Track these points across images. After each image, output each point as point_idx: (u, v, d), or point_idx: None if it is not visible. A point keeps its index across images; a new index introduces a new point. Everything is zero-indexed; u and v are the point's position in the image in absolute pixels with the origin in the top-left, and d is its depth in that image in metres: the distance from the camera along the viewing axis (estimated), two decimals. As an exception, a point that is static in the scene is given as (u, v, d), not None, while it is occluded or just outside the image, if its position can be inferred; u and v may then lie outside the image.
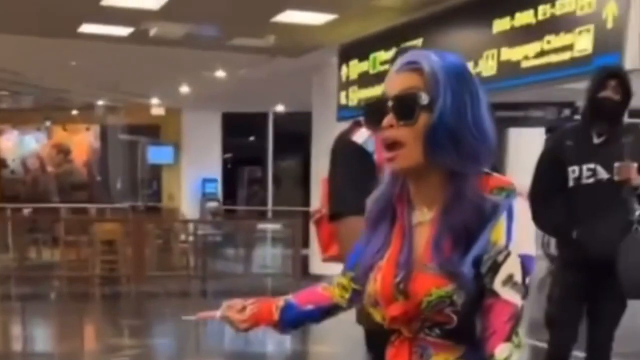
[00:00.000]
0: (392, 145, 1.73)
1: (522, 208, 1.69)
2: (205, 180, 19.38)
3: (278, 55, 12.03)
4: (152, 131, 19.54)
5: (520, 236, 1.67)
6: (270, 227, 17.09)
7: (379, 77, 9.70)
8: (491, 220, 1.66)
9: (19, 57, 12.67)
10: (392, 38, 9.53)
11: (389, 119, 1.70)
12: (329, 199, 3.07)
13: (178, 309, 10.12)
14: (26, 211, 16.42)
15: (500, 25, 8.01)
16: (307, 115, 13.12)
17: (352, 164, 2.99)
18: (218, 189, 19.82)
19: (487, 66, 8.21)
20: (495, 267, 1.66)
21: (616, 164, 3.92)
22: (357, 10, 9.50)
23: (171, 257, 12.99)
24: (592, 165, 3.97)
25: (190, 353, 7.65)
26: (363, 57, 10.42)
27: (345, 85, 10.92)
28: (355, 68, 10.70)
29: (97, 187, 20.56)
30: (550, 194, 4.10)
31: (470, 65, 8.36)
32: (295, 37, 10.85)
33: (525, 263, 1.67)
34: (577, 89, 4.15)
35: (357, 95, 10.60)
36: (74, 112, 19.84)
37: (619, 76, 4.02)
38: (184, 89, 15.75)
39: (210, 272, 12.65)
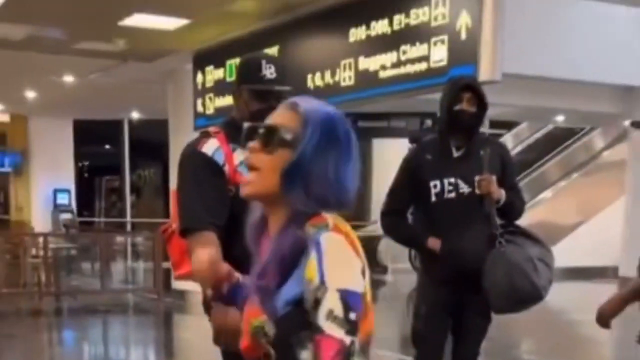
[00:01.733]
0: (250, 168, 1.87)
1: (334, 243, 1.75)
2: (57, 191, 18.74)
3: (130, 60, 11.65)
4: (-4, 137, 18.72)
5: (334, 271, 1.72)
6: (129, 239, 16.73)
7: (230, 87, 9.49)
8: (303, 258, 1.74)
9: None
10: (248, 45, 9.32)
11: (254, 143, 1.86)
12: (178, 214, 2.99)
13: (30, 329, 9.62)
14: None
15: (357, 34, 7.96)
16: (164, 122, 12.77)
17: (200, 176, 2.94)
18: (71, 199, 19.25)
19: (344, 76, 8.12)
20: (316, 304, 1.71)
21: (477, 178, 3.92)
22: (210, 15, 9.28)
23: (21, 273, 12.32)
24: (452, 179, 3.96)
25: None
26: (219, 64, 10.20)
27: (202, 92, 10.66)
28: (211, 75, 10.47)
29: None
30: (403, 210, 4.15)
31: (327, 74, 8.31)
32: (147, 41, 10.53)
33: (346, 298, 1.71)
34: (437, 100, 4.07)
35: (213, 103, 10.36)
36: None
37: (473, 88, 4.00)
38: (30, 94, 15.09)
39: (64, 289, 12.09)
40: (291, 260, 1.77)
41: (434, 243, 3.99)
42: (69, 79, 13.26)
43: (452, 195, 3.95)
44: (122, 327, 10.20)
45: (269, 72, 3.05)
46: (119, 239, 16.21)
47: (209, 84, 10.61)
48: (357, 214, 16.72)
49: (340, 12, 8.21)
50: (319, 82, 8.45)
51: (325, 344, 1.71)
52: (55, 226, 17.88)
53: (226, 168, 2.93)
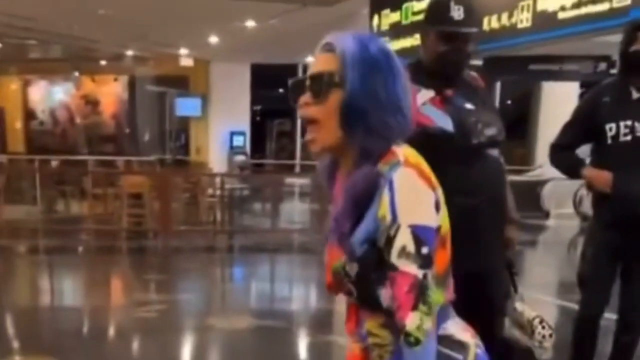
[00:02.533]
0: (308, 123, 1.87)
1: (405, 179, 1.78)
2: (233, 133, 19.35)
3: (310, 4, 11.89)
4: (181, 82, 19.53)
5: (406, 207, 1.75)
6: (298, 181, 17.06)
7: (411, 28, 9.58)
8: (377, 196, 1.77)
9: (48, 5, 12.65)
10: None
11: (304, 97, 1.87)
12: None
13: (204, 264, 10.23)
14: (54, 163, 16.57)
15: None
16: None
17: None
18: (246, 142, 19.78)
19: (522, 17, 8.03)
20: (389, 241, 1.75)
21: None
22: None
23: (198, 211, 13.05)
24: (629, 122, 3.89)
25: (216, 309, 7.68)
26: (395, 7, 10.24)
27: (379, 35, 10.77)
28: (387, 18, 10.54)
29: (125, 140, 20.68)
30: (571, 146, 4.10)
31: (504, 16, 8.26)
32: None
33: (418, 233, 1.74)
34: (614, 43, 4.04)
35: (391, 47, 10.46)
36: (103, 62, 19.87)
37: None
38: (213, 39, 15.68)
39: (237, 227, 12.69)
40: (364, 200, 1.78)
41: (590, 173, 3.96)
42: (250, 23, 13.70)
43: (628, 138, 3.88)
44: (288, 265, 10.49)
45: (457, 13, 3.05)
46: (288, 180, 16.62)
47: (384, 27, 10.70)
48: (521, 158, 16.50)
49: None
50: (495, 24, 8.39)
51: (399, 280, 1.74)
52: (230, 167, 18.49)
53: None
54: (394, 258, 1.75)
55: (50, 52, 19.56)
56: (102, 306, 7.74)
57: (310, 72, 1.88)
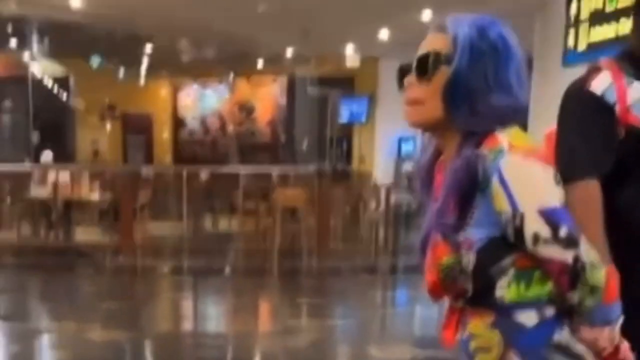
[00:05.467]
0: (411, 103, 2.05)
1: (514, 166, 1.88)
2: (402, 139, 19.24)
3: (493, -8, 11.69)
4: (345, 83, 19.65)
5: (525, 194, 1.86)
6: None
7: (616, 15, 9.19)
8: (485, 188, 1.88)
9: (202, 3, 13.04)
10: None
11: (409, 77, 2.05)
12: (555, 159, 2.88)
13: (364, 287, 10.19)
14: (203, 175, 17.04)
15: None
16: (528, 59, 12.75)
17: (587, 118, 2.87)
18: (416, 149, 19.64)
19: None
20: (519, 233, 1.87)
21: None
22: None
23: (359, 228, 13.05)
24: None
25: (376, 337, 7.65)
26: (597, -10, 9.90)
27: (574, 24, 10.43)
28: (587, 4, 10.19)
29: (281, 148, 21.04)
30: None
31: None
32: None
33: (548, 216, 1.85)
34: None
35: (587, 37, 10.10)
36: (260, 63, 20.31)
37: None
38: (383, 34, 15.69)
39: (401, 246, 12.59)
40: (468, 185, 1.91)
41: None
42: (427, 15, 13.61)
43: None
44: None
45: None
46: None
47: (583, 15, 10.36)
48: None
49: None
50: None
51: (548, 267, 1.88)
52: (397, 177, 18.48)
53: (617, 107, 2.82)
54: (530, 247, 1.87)
55: (204, 53, 20.20)
56: (249, 333, 7.84)
57: (417, 53, 2.06)
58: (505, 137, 1.93)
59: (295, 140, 20.96)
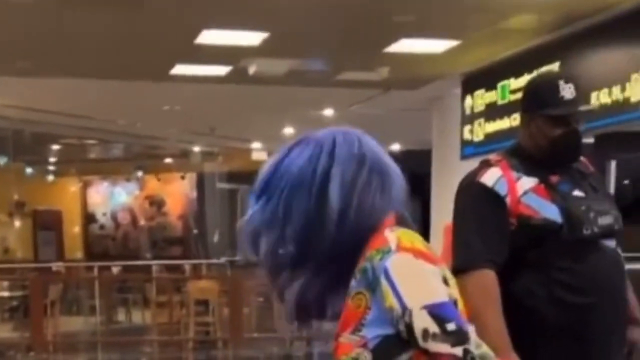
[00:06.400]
0: None
1: (401, 265, 1.83)
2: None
3: (393, 88, 12.02)
4: (253, 178, 19.76)
5: (412, 292, 1.81)
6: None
7: (508, 108, 9.58)
8: (375, 287, 1.83)
9: (108, 103, 13.08)
10: (523, 63, 9.40)
11: None
12: (453, 251, 3.07)
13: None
14: (115, 269, 16.81)
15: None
16: (426, 153, 13.04)
17: (480, 209, 3.00)
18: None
19: (636, 90, 7.96)
20: (410, 329, 1.80)
21: None
22: (483, 34, 9.39)
23: (273, 316, 12.99)
24: None
25: None
26: (490, 86, 10.30)
27: (470, 118, 10.81)
28: (481, 99, 10.58)
29: (193, 242, 20.92)
30: None
31: (616, 90, 8.18)
32: (412, 68, 10.82)
33: (435, 312, 1.79)
34: None
35: (483, 129, 10.47)
36: (168, 160, 20.36)
37: None
38: (288, 130, 15.91)
39: (317, 332, 12.54)
40: (365, 289, 1.84)
41: None
42: (329, 112, 13.88)
43: None
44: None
45: (569, 91, 3.06)
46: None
47: (478, 109, 10.72)
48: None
49: (631, 20, 8.06)
50: (605, 98, 8.33)
51: None
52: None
53: (508, 199, 2.96)
54: (421, 343, 1.80)
55: (112, 151, 20.13)
56: None
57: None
58: (393, 236, 1.88)
59: (207, 233, 20.89)
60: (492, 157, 3.12)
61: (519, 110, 3.27)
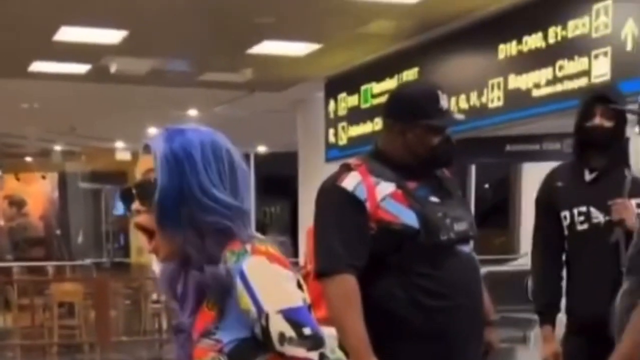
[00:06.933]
0: (145, 233, 1.95)
1: (257, 267, 1.85)
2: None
3: (257, 90, 12.01)
4: (118, 178, 19.38)
5: (268, 295, 1.83)
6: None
7: (371, 112, 9.69)
8: (229, 290, 1.85)
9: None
10: (384, 68, 9.55)
11: (135, 205, 1.94)
12: (315, 255, 3.09)
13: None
14: (-27, 272, 16.17)
15: (506, 50, 8.01)
16: (293, 155, 13.05)
17: (340, 214, 3.02)
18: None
19: (493, 96, 8.17)
20: (266, 332, 1.83)
21: (610, 202, 3.65)
22: (343, 38, 9.50)
23: (141, 319, 12.77)
24: (583, 208, 3.74)
25: None
26: (353, 90, 10.41)
27: (334, 121, 10.89)
28: (344, 102, 10.68)
29: (56, 243, 20.37)
30: (550, 248, 3.91)
31: (473, 95, 8.38)
32: (275, 70, 10.84)
33: (291, 316, 1.83)
34: None
35: (347, 133, 10.56)
36: (28, 159, 19.75)
37: (608, 99, 3.77)
38: (152, 130, 15.66)
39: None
40: (220, 294, 1.86)
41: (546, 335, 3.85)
42: (193, 112, 13.75)
43: (585, 226, 3.73)
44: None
45: (446, 101, 3.15)
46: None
47: (341, 112, 10.81)
48: (503, 246, 16.55)
49: (488, 27, 8.30)
50: (464, 104, 8.55)
51: None
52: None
53: (368, 204, 2.99)
54: (277, 346, 1.83)
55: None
56: None
57: (136, 177, 1.97)
58: (248, 241, 1.91)
59: (71, 235, 20.41)
60: (352, 161, 3.14)
61: (385, 117, 3.27)
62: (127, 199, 1.97)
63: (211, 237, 1.88)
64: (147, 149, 1.95)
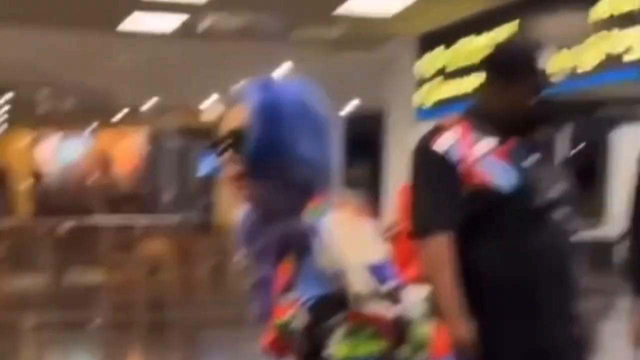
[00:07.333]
0: (234, 181, 2.02)
1: (338, 222, 1.87)
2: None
3: (347, 48, 11.97)
4: (206, 135, 19.63)
5: (350, 249, 1.85)
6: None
7: (462, 71, 9.58)
8: (313, 244, 1.87)
9: (60, 54, 12.86)
10: (479, 24, 9.42)
11: (226, 155, 2.01)
12: (410, 213, 3.07)
13: (233, 339, 10.09)
14: (66, 227, 16.62)
15: (604, 9, 7.78)
16: (380, 115, 13.01)
17: (433, 175, 3.02)
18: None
19: (588, 58, 8.00)
20: (347, 288, 1.85)
21: None
22: (438, -5, 9.36)
23: (226, 278, 12.97)
24: None
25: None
26: (445, 48, 10.28)
27: (424, 81, 10.79)
28: (435, 62, 10.57)
29: (144, 199, 20.76)
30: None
31: (569, 57, 8.20)
32: (366, 27, 10.78)
33: (374, 271, 1.84)
34: None
35: (438, 92, 10.47)
36: (120, 115, 20.11)
37: None
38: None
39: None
40: (301, 250, 1.90)
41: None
42: (281, 70, 13.79)
43: None
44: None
45: (546, 61, 3.10)
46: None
47: (432, 71, 10.73)
48: (594, 213, 16.25)
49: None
50: (560, 63, 8.38)
51: (374, 322, 1.85)
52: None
53: (462, 165, 2.97)
54: (358, 302, 1.85)
55: (63, 104, 19.83)
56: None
57: (228, 127, 2.01)
58: (328, 199, 1.93)
59: (159, 191, 20.74)
60: (449, 119, 3.12)
61: (486, 72, 3.22)
62: (217, 150, 2.04)
63: (297, 189, 1.92)
64: (239, 100, 2.01)
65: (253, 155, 1.94)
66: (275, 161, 1.93)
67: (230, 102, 2.04)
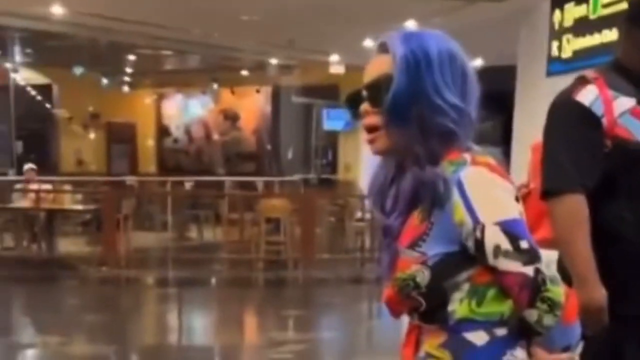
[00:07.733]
0: (371, 131, 2.00)
1: (476, 177, 1.87)
2: (388, 147, 19.22)
3: (477, 0, 11.71)
4: (330, 92, 19.59)
5: (486, 206, 1.84)
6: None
7: (600, 23, 9.20)
8: (445, 200, 1.86)
9: (184, 11, 12.99)
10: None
11: (364, 106, 2.00)
12: (542, 171, 2.92)
13: (350, 298, 10.14)
14: (188, 185, 16.96)
15: None
16: (510, 69, 12.74)
17: (574, 129, 2.85)
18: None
19: None
20: (479, 245, 1.85)
21: None
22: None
23: (345, 237, 13.01)
24: None
25: (362, 349, 7.59)
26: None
27: (559, 33, 10.42)
28: (571, 13, 10.19)
29: (267, 158, 20.97)
30: None
31: None
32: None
33: (508, 229, 1.83)
34: None
35: (572, 46, 10.10)
36: (244, 72, 20.28)
37: None
38: (368, 43, 15.66)
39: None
40: (432, 204, 1.89)
41: None
42: (410, 24, 13.60)
43: None
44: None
45: None
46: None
47: (567, 24, 10.35)
48: None
49: None
50: None
51: (507, 281, 1.86)
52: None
53: (604, 120, 2.81)
54: (491, 260, 1.85)
55: (187, 62, 20.13)
56: (234, 346, 7.80)
57: (366, 79, 2.01)
58: (468, 151, 1.94)
59: (281, 150, 20.89)
60: (589, 73, 2.93)
61: (623, 24, 3.01)
62: (354, 102, 2.04)
63: (436, 138, 1.91)
64: (383, 48, 2.01)
65: (394, 103, 1.93)
66: (416, 109, 1.92)
67: (365, 54, 2.06)
